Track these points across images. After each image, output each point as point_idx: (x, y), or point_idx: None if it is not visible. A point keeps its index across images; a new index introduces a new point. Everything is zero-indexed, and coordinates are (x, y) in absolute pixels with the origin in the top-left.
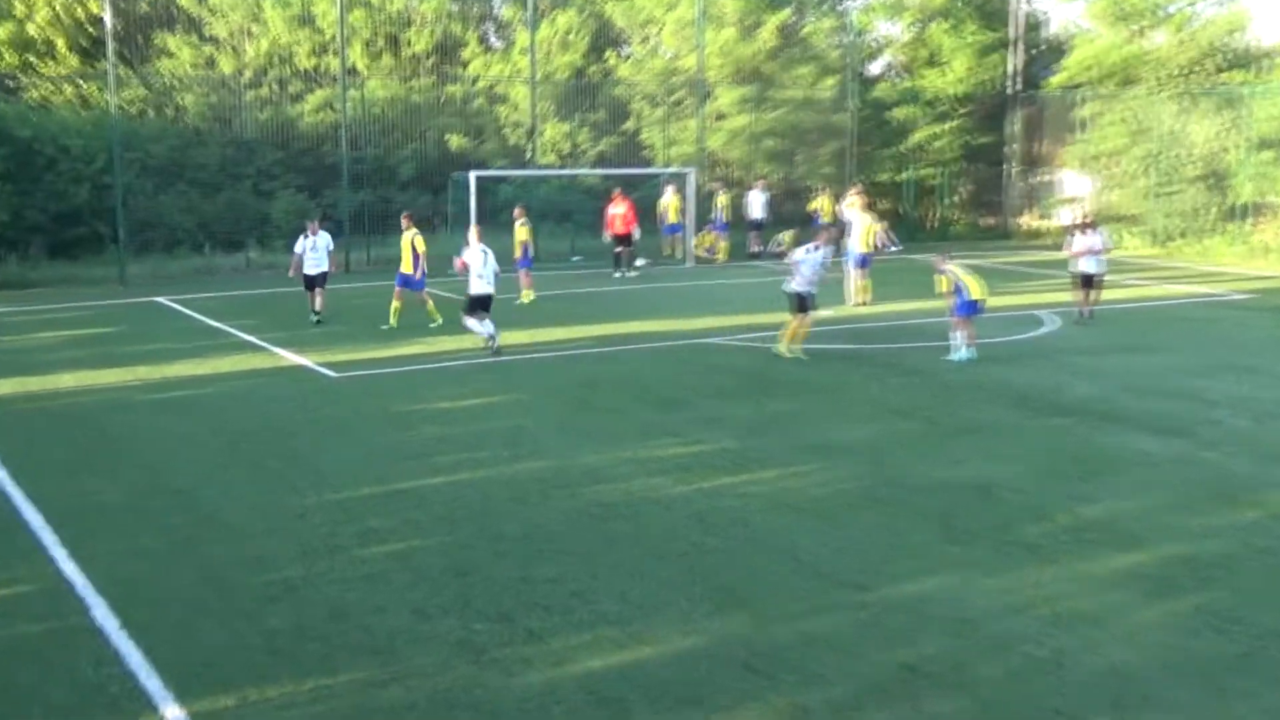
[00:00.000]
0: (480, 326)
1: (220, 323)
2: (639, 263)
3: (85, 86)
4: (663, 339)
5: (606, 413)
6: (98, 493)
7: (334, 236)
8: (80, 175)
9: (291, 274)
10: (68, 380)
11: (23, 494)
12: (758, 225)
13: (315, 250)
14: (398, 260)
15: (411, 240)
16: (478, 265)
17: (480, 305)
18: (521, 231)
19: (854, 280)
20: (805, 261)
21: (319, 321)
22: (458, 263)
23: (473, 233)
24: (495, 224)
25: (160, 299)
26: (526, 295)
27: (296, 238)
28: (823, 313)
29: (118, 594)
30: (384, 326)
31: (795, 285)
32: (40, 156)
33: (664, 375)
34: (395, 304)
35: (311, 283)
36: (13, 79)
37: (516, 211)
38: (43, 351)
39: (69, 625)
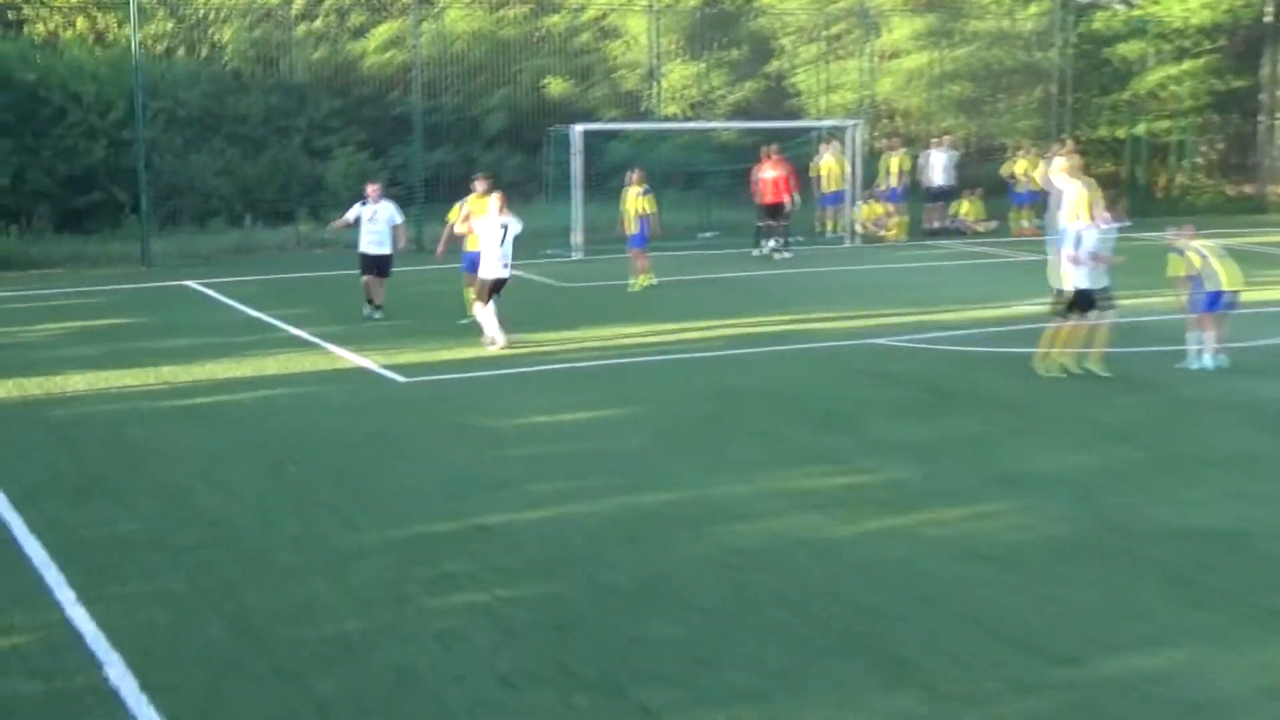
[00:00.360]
0: (494, 320)
1: (262, 313)
2: (769, 246)
3: (101, 19)
4: (816, 339)
5: (745, 433)
6: (112, 522)
7: (402, 206)
8: (94, 129)
9: (331, 231)
10: (77, 383)
11: (22, 522)
12: (940, 194)
13: (374, 223)
14: None
15: (639, 200)
16: (493, 242)
17: (494, 293)
18: (640, 202)
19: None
20: (1089, 237)
21: (375, 316)
22: (459, 224)
23: (494, 198)
24: (604, 191)
25: (190, 283)
26: (641, 280)
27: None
28: (1024, 307)
29: (135, 648)
30: (463, 321)
31: (1073, 274)
32: (46, 106)
33: (818, 385)
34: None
35: (370, 265)
36: (14, 9)
37: (633, 176)
38: (47, 347)
39: (75, 686)
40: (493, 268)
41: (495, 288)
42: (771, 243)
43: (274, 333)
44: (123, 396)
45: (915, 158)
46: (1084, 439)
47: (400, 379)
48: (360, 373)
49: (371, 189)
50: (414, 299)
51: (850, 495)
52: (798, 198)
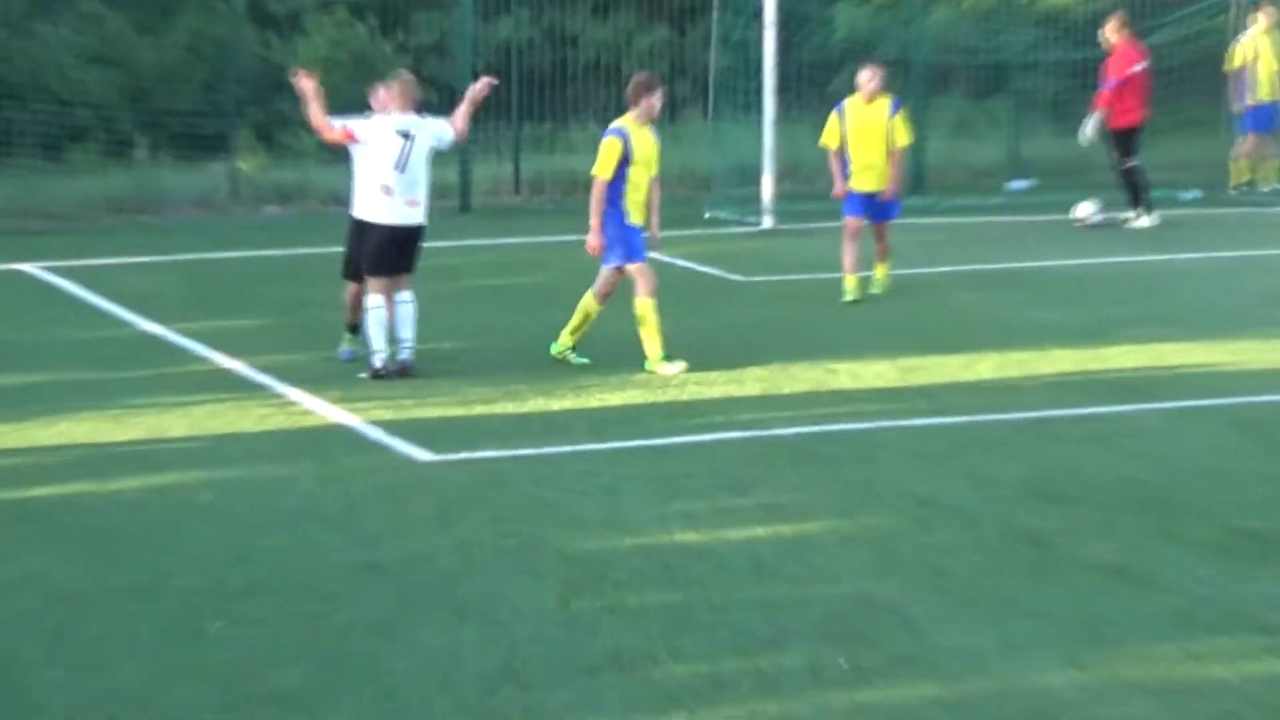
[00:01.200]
0: (376, 320)
1: (166, 326)
2: (1017, 185)
3: None
4: (1231, 389)
5: (1086, 570)
6: None
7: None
8: None
9: (321, 124)
10: None
11: None
12: None
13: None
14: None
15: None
16: (385, 160)
17: (386, 255)
18: (893, 127)
19: None
20: None
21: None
22: (333, 128)
23: (395, 85)
24: (815, 102)
25: (27, 267)
26: (879, 273)
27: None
28: None
29: None
30: (577, 358)
31: None
32: None
33: (1241, 480)
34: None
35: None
36: None
37: (864, 75)
38: None
39: None
40: (381, 206)
41: (385, 248)
42: (1019, 183)
43: (186, 363)
44: None
45: None
46: None
47: (418, 453)
48: (344, 438)
49: (389, 93)
50: (444, 295)
51: None
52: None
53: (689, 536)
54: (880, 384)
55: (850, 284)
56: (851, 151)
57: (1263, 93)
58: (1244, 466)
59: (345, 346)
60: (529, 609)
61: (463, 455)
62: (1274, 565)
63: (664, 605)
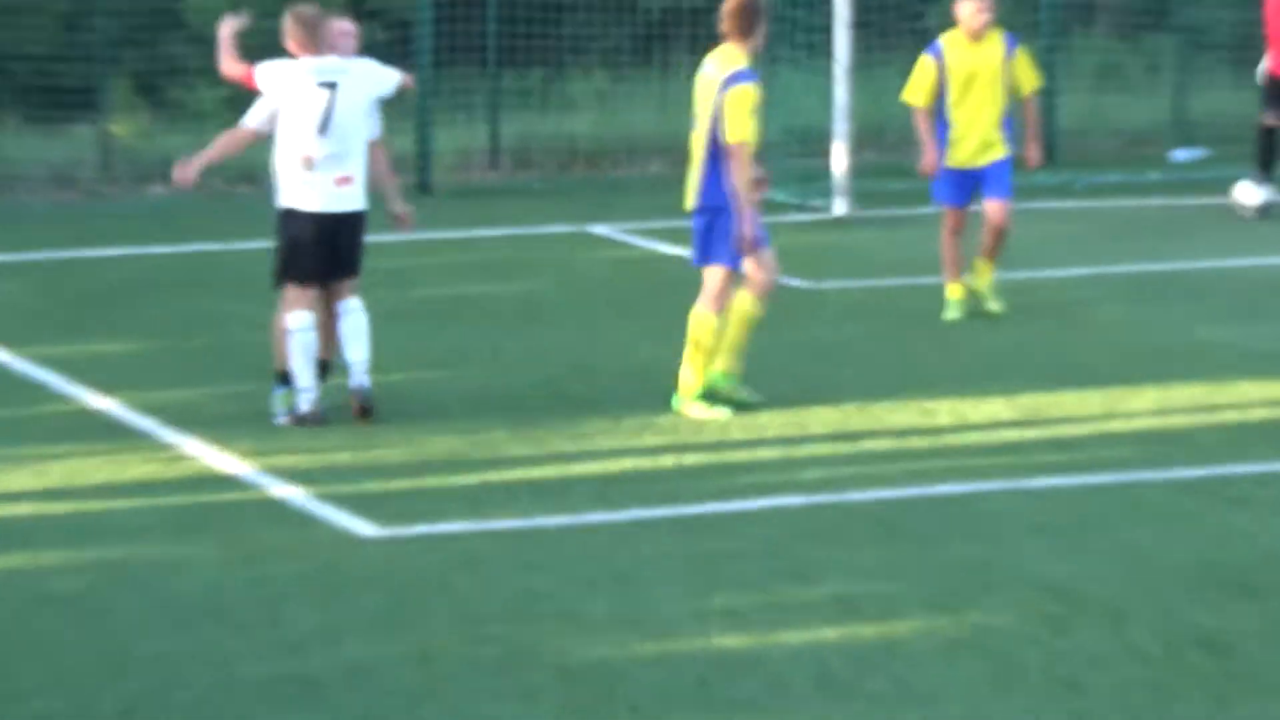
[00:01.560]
0: (301, 348)
1: (13, 353)
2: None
3: None
4: None
5: None
6: None
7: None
8: None
9: (213, 156)
10: None
11: None
12: None
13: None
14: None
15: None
16: (302, 121)
17: (310, 254)
18: (1018, 70)
19: None
20: None
21: (303, 411)
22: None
23: (326, 29)
24: (900, 48)
25: None
26: (980, 281)
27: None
28: None
29: None
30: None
31: None
32: None
33: None
34: None
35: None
36: None
37: (969, 3)
38: None
39: None
40: (299, 187)
41: (306, 245)
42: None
43: (41, 402)
44: None
45: None
46: None
47: (361, 527)
48: (259, 506)
49: (316, 29)
50: (394, 311)
51: None
52: None
53: (733, 641)
54: (995, 431)
55: (954, 295)
56: (952, 111)
57: None
58: None
59: (281, 407)
60: None
61: (421, 529)
62: None
63: None
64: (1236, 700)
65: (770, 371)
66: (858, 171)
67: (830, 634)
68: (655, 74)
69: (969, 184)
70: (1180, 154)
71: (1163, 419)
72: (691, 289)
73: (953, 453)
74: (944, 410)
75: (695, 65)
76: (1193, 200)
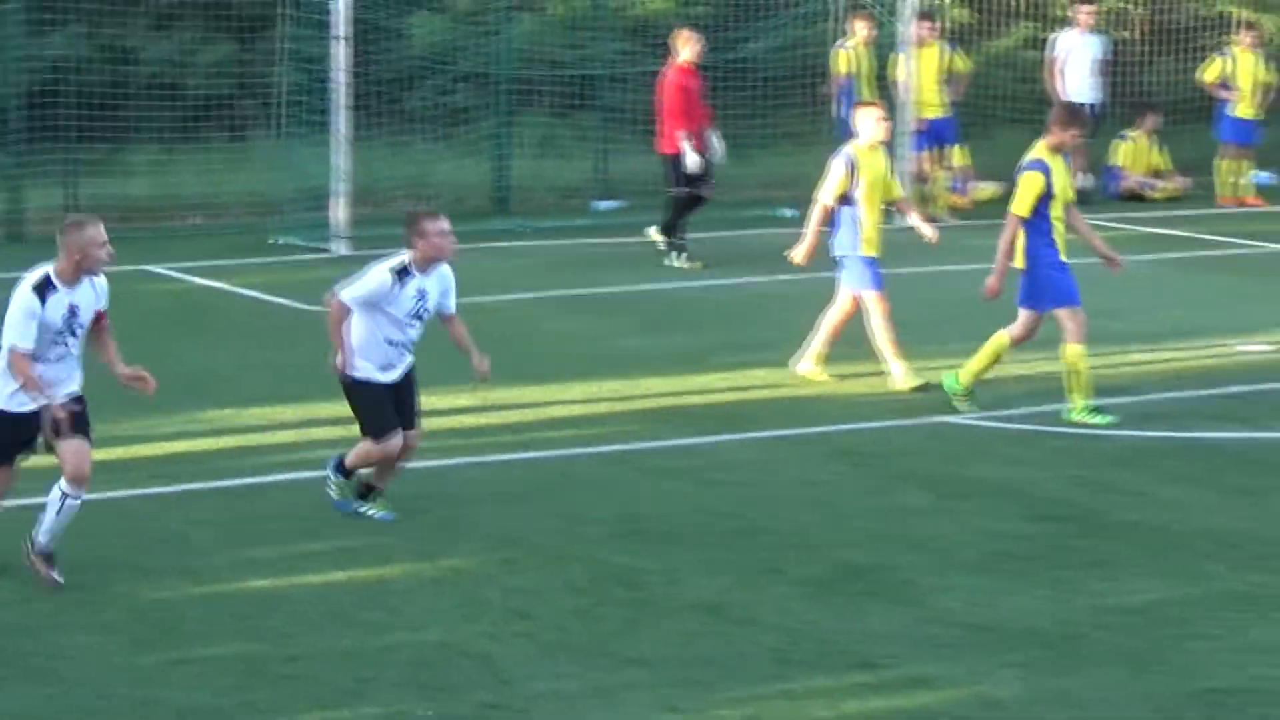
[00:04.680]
0: None
1: None
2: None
3: None
4: (807, 418)
5: (681, 610)
6: None
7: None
8: None
9: None
10: None
11: None
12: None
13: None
14: None
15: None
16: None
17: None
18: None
19: None
20: None
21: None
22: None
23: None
24: (377, 123)
25: None
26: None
27: None
28: (1249, 347)
29: None
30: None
31: None
32: None
33: (833, 507)
34: None
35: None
36: None
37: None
38: None
39: None
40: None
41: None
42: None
43: None
44: None
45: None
46: None
47: None
48: None
49: None
50: None
51: None
52: (715, 142)
53: (262, 584)
54: (461, 417)
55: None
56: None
57: (930, 106)
58: (844, 498)
59: None
60: (95, 666)
61: (16, 502)
62: (875, 600)
63: (236, 657)
64: (646, 621)
65: (285, 377)
66: (356, 221)
67: (338, 577)
68: (198, 148)
69: None
70: (602, 204)
71: (590, 407)
72: (225, 313)
73: (430, 435)
74: (422, 403)
75: (230, 140)
76: (611, 240)
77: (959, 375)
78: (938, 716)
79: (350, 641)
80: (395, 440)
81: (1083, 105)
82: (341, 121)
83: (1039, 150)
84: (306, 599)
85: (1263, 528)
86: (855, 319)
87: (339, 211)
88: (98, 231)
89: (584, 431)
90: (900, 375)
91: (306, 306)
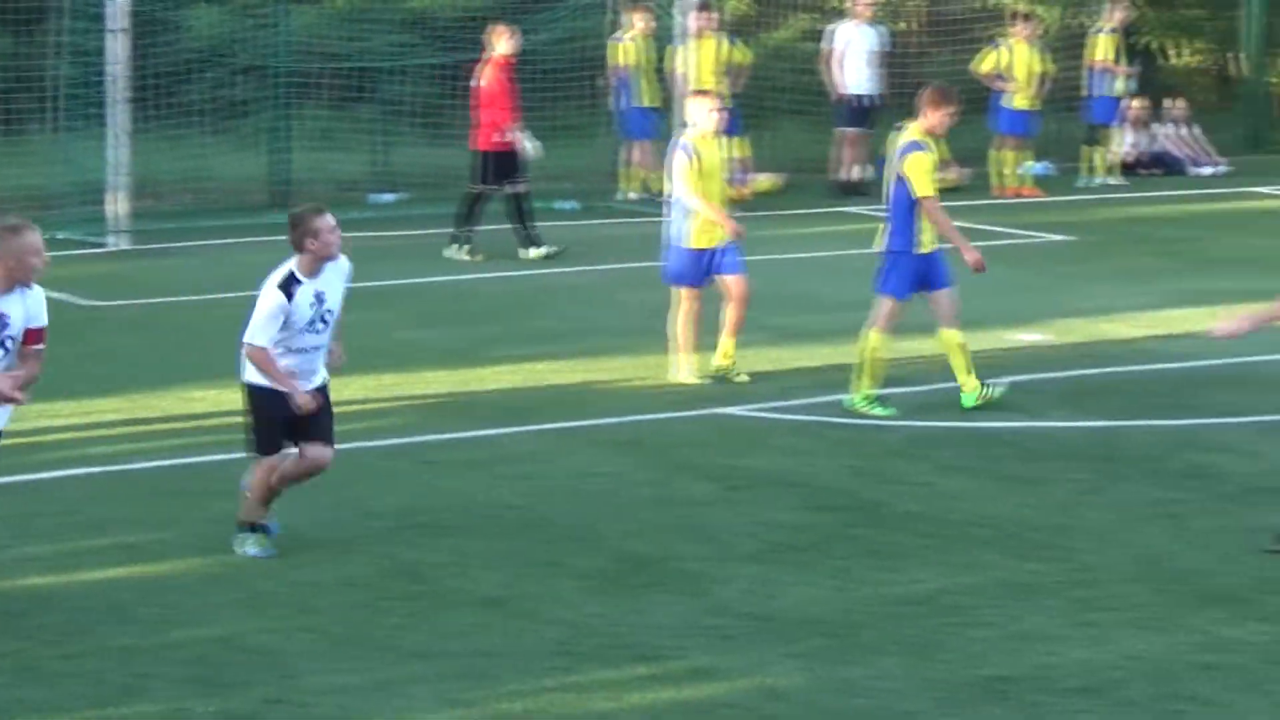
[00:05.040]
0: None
1: None
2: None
3: None
4: (589, 411)
5: (465, 603)
6: None
7: None
8: None
9: None
10: None
11: None
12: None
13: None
14: None
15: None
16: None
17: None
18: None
19: None
20: None
21: None
22: None
23: None
24: (155, 116)
25: None
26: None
27: None
28: (1025, 336)
29: None
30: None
31: None
32: None
33: (616, 498)
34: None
35: None
36: None
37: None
38: None
39: None
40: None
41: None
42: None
43: None
44: None
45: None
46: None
47: None
48: None
49: None
50: None
51: None
52: (526, 142)
53: (40, 581)
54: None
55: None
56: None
57: (646, 99)
58: (627, 489)
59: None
60: None
61: None
62: (658, 591)
63: (9, 654)
64: (429, 614)
65: (63, 373)
66: (135, 215)
67: (119, 572)
68: None
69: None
70: (381, 197)
71: (372, 401)
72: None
73: (210, 430)
74: (202, 398)
75: (6, 135)
76: (390, 232)
77: (964, 388)
78: (721, 707)
79: (129, 638)
80: (315, 452)
81: (948, 87)
82: (119, 115)
83: (913, 133)
84: (85, 595)
85: (1040, 516)
86: (710, 306)
87: (117, 206)
88: (35, 238)
89: (366, 425)
90: (685, 370)
91: (85, 302)
